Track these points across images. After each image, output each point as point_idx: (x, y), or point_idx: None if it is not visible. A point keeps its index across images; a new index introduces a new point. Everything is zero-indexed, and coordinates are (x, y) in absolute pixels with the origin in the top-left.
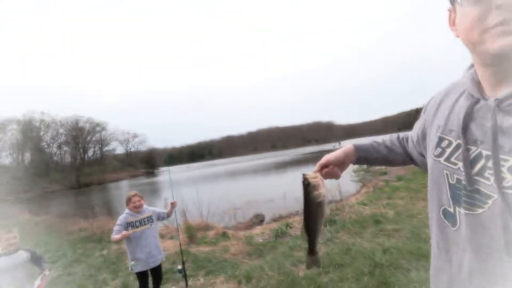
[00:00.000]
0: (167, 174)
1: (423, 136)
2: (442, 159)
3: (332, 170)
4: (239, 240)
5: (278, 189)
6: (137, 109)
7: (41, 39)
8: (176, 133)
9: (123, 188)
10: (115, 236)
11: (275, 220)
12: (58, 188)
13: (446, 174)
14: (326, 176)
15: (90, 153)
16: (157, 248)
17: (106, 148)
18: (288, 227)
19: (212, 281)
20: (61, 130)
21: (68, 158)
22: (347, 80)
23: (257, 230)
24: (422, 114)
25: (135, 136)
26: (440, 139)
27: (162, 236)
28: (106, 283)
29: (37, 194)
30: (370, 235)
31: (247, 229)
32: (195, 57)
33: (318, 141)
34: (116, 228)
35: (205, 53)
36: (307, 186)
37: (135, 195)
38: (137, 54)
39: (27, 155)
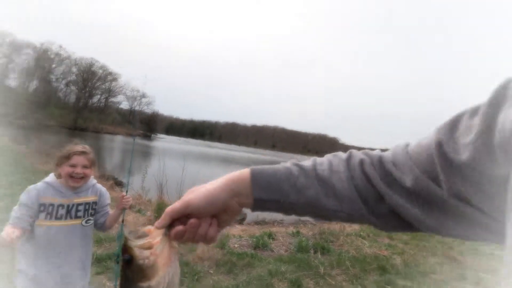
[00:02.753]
0: (162, 141)
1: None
2: None
3: (193, 227)
4: None
5: None
6: (152, 71)
7: None
8: (184, 105)
9: (117, 143)
10: (8, 231)
11: (257, 223)
12: (53, 123)
13: None
14: (181, 238)
15: (95, 99)
16: (83, 269)
17: (111, 99)
18: (270, 238)
19: None
20: (73, 69)
21: (72, 98)
22: (367, 104)
23: (236, 230)
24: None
25: (143, 96)
26: None
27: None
28: None
29: (30, 124)
30: (375, 285)
31: None
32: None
33: (318, 153)
34: (15, 212)
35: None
36: (128, 264)
37: (82, 151)
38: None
39: (34, 83)
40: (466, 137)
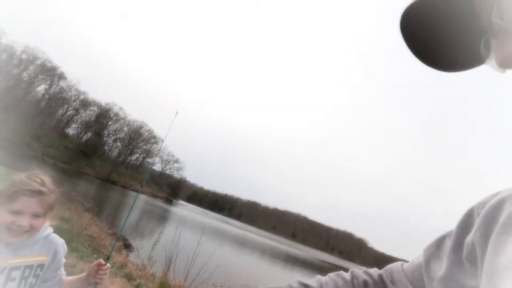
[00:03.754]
0: (182, 208)
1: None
2: None
3: None
4: None
5: (280, 283)
6: (188, 140)
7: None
8: (210, 175)
9: (140, 201)
10: None
11: None
12: (90, 172)
13: None
14: None
15: (133, 157)
16: None
17: (148, 159)
18: None
19: None
20: (125, 128)
21: (115, 153)
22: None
23: None
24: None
25: (176, 161)
26: None
27: (129, 277)
28: None
29: (72, 169)
30: None
31: None
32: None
33: (341, 254)
34: None
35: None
36: None
37: (37, 191)
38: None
39: (89, 134)
40: (446, 255)
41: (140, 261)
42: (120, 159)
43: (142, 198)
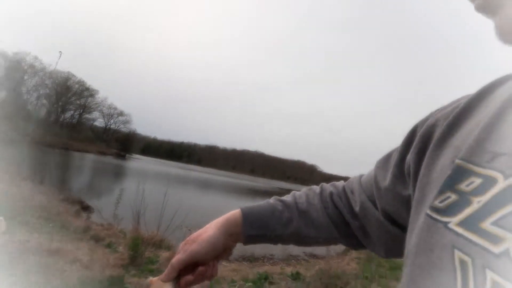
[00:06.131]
0: (137, 162)
1: (402, 173)
2: (453, 220)
3: (202, 274)
4: None
5: None
6: (133, 88)
7: None
8: (162, 124)
9: (87, 161)
10: None
11: (245, 259)
12: (17, 137)
13: (458, 255)
14: (190, 286)
15: (67, 114)
16: None
17: (86, 115)
18: (267, 281)
19: None
20: (47, 81)
21: (43, 112)
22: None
23: (226, 271)
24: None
25: (121, 114)
26: (460, 172)
27: (97, 238)
28: None
29: None
30: None
31: None
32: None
33: (296, 180)
34: None
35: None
36: None
37: None
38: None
39: (2, 94)
40: (391, 167)
41: (104, 221)
42: (51, 119)
43: (90, 157)
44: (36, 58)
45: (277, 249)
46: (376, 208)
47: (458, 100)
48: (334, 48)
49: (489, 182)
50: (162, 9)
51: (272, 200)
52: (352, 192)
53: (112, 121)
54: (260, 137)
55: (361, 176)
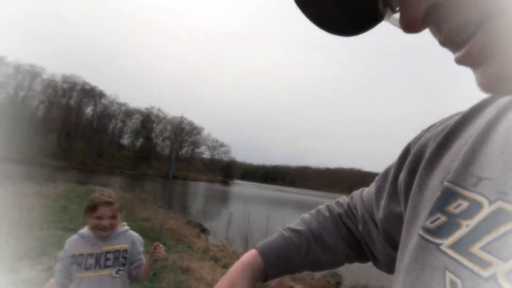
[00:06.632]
0: (238, 186)
1: (395, 192)
2: (445, 242)
3: None
4: None
5: None
6: (228, 121)
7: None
8: (256, 151)
9: (200, 189)
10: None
11: None
12: (152, 173)
13: (450, 277)
14: None
15: (183, 151)
16: None
17: (196, 150)
18: None
19: None
20: (168, 127)
21: (167, 151)
22: None
23: None
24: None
25: (222, 145)
26: (448, 194)
27: (215, 259)
28: None
29: (136, 174)
30: None
31: None
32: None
33: None
34: (56, 266)
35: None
36: None
37: (107, 202)
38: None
39: (140, 141)
40: (387, 185)
41: (219, 243)
42: (173, 155)
43: (202, 185)
44: (159, 110)
45: None
46: (377, 226)
47: (449, 118)
48: None
49: (475, 206)
50: (254, 41)
51: (285, 232)
52: (355, 208)
53: (215, 152)
54: (355, 153)
55: (362, 190)
